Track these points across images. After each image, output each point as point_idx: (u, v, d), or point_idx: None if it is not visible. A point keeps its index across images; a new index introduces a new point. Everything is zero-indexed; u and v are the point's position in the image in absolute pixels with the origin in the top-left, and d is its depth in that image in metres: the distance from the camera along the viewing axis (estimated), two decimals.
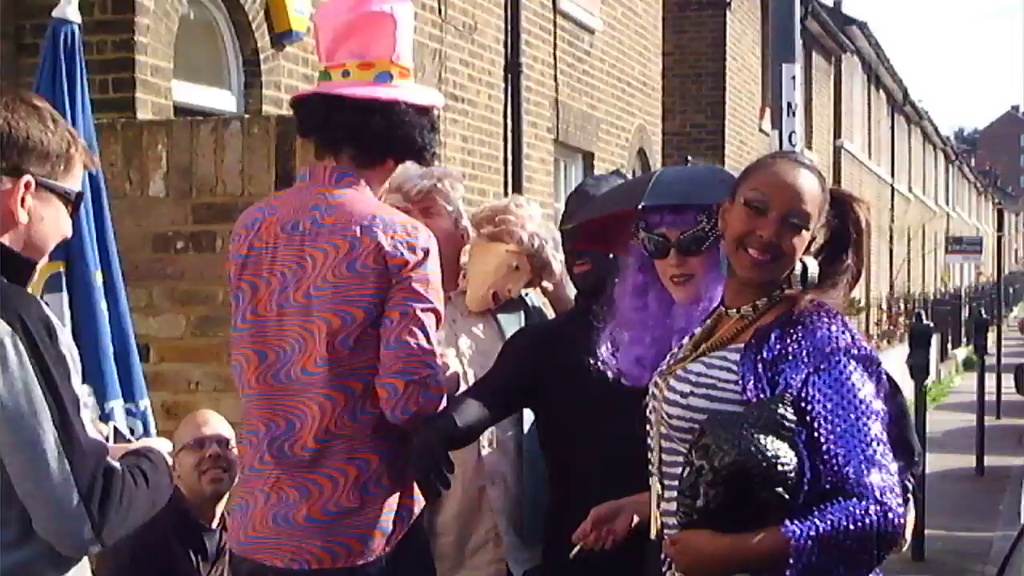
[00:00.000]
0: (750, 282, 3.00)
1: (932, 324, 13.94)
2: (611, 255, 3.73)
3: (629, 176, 3.97)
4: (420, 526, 3.51)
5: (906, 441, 3.47)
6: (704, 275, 3.37)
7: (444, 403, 3.41)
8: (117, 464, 2.61)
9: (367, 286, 3.30)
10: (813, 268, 2.99)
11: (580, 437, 3.82)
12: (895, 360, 15.42)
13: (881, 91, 36.16)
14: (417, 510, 3.43)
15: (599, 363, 3.59)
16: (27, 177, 2.61)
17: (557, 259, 4.25)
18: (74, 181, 2.71)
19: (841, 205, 3.05)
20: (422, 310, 3.32)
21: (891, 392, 3.34)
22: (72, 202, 2.72)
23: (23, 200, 2.61)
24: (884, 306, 30.18)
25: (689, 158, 4.14)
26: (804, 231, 2.96)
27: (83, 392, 2.69)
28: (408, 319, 3.30)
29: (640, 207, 3.46)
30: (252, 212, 3.57)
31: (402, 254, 3.31)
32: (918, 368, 11.15)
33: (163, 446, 2.88)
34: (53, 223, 2.68)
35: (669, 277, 3.45)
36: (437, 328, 3.40)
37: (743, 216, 2.97)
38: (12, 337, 2.49)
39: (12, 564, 2.52)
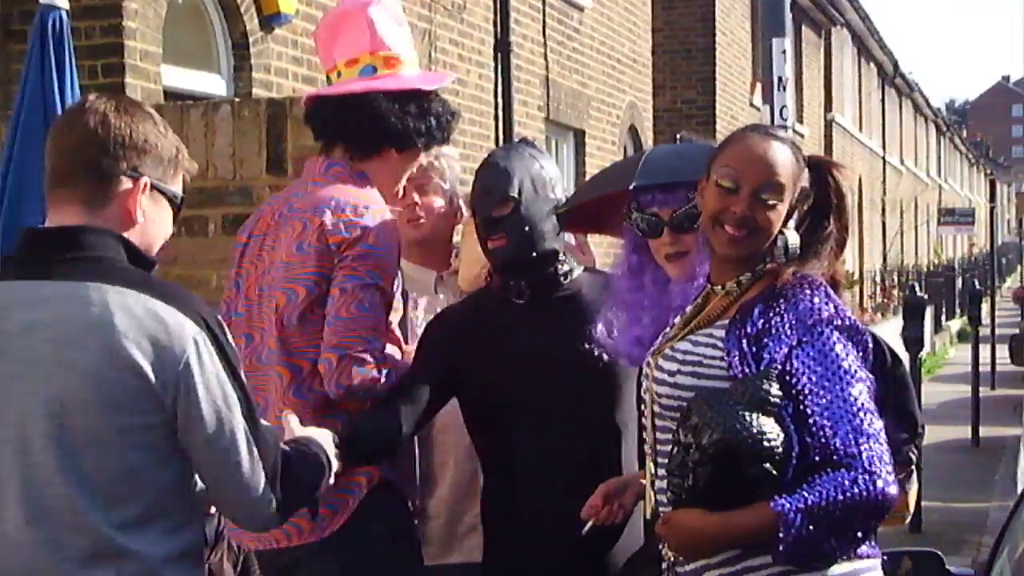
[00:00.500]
0: (729, 258, 3.00)
1: (926, 296, 13.96)
2: (530, 229, 3.65)
3: (538, 145, 3.88)
4: (394, 500, 3.59)
5: (908, 413, 3.46)
6: (698, 251, 3.37)
7: (386, 379, 3.46)
8: (289, 449, 2.83)
9: (309, 264, 3.45)
10: (793, 240, 2.98)
11: (504, 419, 3.69)
12: (889, 333, 15.42)
13: (871, 64, 36.11)
14: (368, 484, 3.50)
15: (596, 345, 3.58)
16: (145, 179, 2.71)
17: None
18: (179, 185, 2.82)
19: (819, 172, 3.04)
20: (361, 287, 3.42)
21: (893, 364, 3.34)
22: (177, 206, 2.82)
23: (139, 203, 2.71)
24: (877, 279, 30.23)
25: (679, 135, 4.15)
26: (779, 204, 2.95)
27: None
28: (346, 295, 3.42)
29: (631, 187, 3.45)
30: (263, 203, 3.85)
31: (341, 232, 3.44)
32: (912, 340, 11.17)
33: (324, 438, 3.05)
34: (162, 224, 2.78)
35: (664, 255, 3.45)
36: (385, 305, 3.48)
37: (716, 194, 2.97)
38: (202, 335, 2.61)
39: (179, 548, 2.66)
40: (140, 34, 7.17)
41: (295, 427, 3.08)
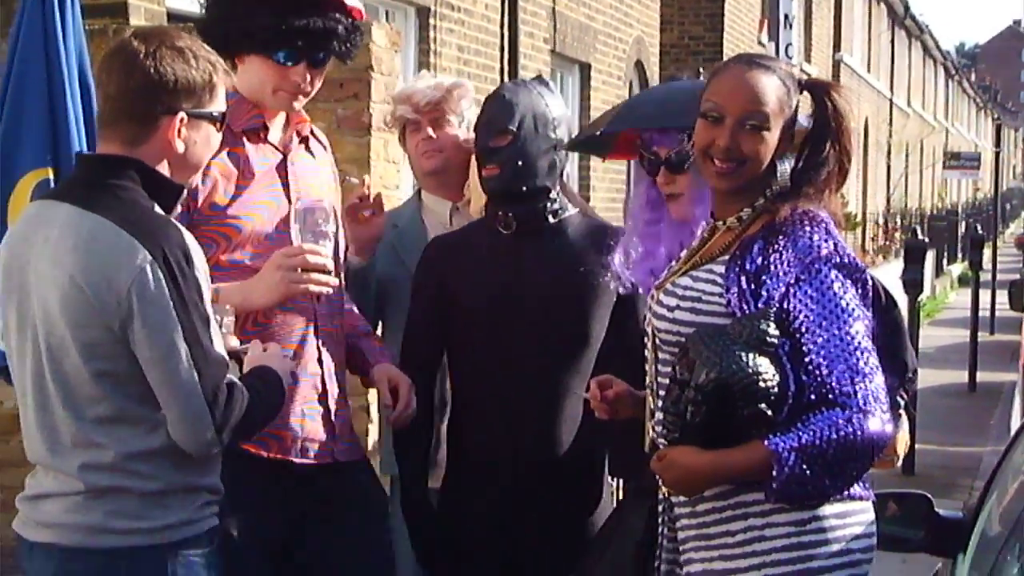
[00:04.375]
0: (721, 192, 2.99)
1: (928, 240, 13.95)
2: (523, 163, 3.69)
3: (550, 84, 3.88)
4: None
5: (900, 357, 3.46)
6: (691, 193, 3.38)
7: None
8: (237, 379, 3.02)
9: None
10: (782, 170, 2.95)
11: (474, 346, 3.74)
12: (890, 276, 15.42)
13: (882, 4, 35.88)
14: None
15: (612, 274, 3.58)
16: (180, 114, 3.01)
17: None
18: (219, 102, 3.10)
19: (817, 94, 3.00)
20: None
21: (887, 306, 3.33)
22: (220, 120, 3.11)
23: (179, 132, 3.02)
24: (880, 221, 30.17)
25: (697, 73, 4.05)
26: (765, 132, 2.93)
27: (220, 311, 3.16)
28: None
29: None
30: None
31: None
32: (912, 283, 11.16)
33: (283, 365, 3.22)
34: (205, 142, 3.10)
35: (665, 194, 3.47)
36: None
37: (702, 127, 2.96)
38: (152, 265, 2.88)
39: (150, 446, 2.97)
40: None
41: (256, 356, 3.20)
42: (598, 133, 3.77)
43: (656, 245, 3.51)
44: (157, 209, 3.00)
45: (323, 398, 3.58)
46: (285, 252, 3.40)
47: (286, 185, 3.58)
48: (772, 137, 2.93)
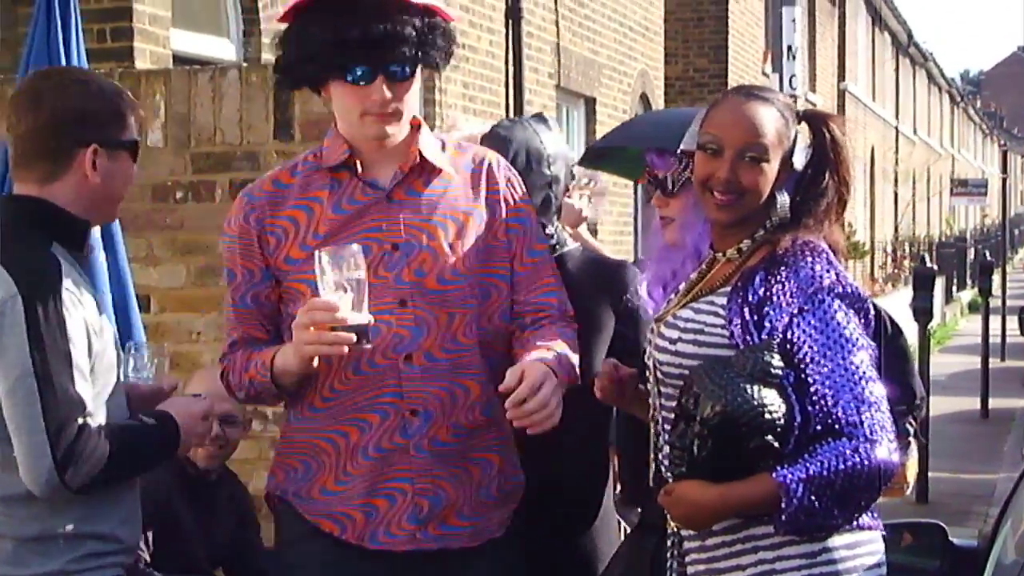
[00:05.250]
0: (721, 224, 2.99)
1: (937, 267, 13.94)
2: None
3: (549, 120, 3.89)
4: None
5: (908, 385, 3.46)
6: (683, 218, 3.37)
7: None
8: (92, 421, 2.92)
9: None
10: (782, 201, 2.95)
11: None
12: (900, 303, 15.40)
13: (885, 32, 35.96)
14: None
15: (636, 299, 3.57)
16: (92, 145, 3.03)
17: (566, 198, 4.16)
18: (130, 131, 3.11)
19: (815, 125, 3.00)
20: None
21: (893, 335, 3.33)
22: (133, 149, 3.12)
23: (94, 164, 3.03)
24: (889, 249, 30.15)
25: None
26: (764, 163, 2.92)
27: (153, 351, 3.27)
28: None
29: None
30: None
31: None
32: (922, 311, 11.15)
33: (188, 410, 3.15)
34: (122, 173, 3.11)
35: (659, 217, 3.46)
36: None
37: (701, 159, 2.96)
38: (14, 299, 2.88)
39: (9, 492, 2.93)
40: None
41: (168, 401, 3.18)
42: (593, 147, 3.80)
43: (668, 267, 3.50)
44: (56, 247, 3.00)
45: (412, 475, 3.15)
46: (302, 308, 3.02)
47: (383, 230, 3.16)
48: (771, 168, 2.93)
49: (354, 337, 2.95)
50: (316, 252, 2.97)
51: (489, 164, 3.29)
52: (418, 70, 3.16)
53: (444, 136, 3.45)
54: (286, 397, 3.25)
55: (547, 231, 3.70)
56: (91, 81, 3.09)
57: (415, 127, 3.23)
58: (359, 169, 3.18)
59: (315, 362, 3.07)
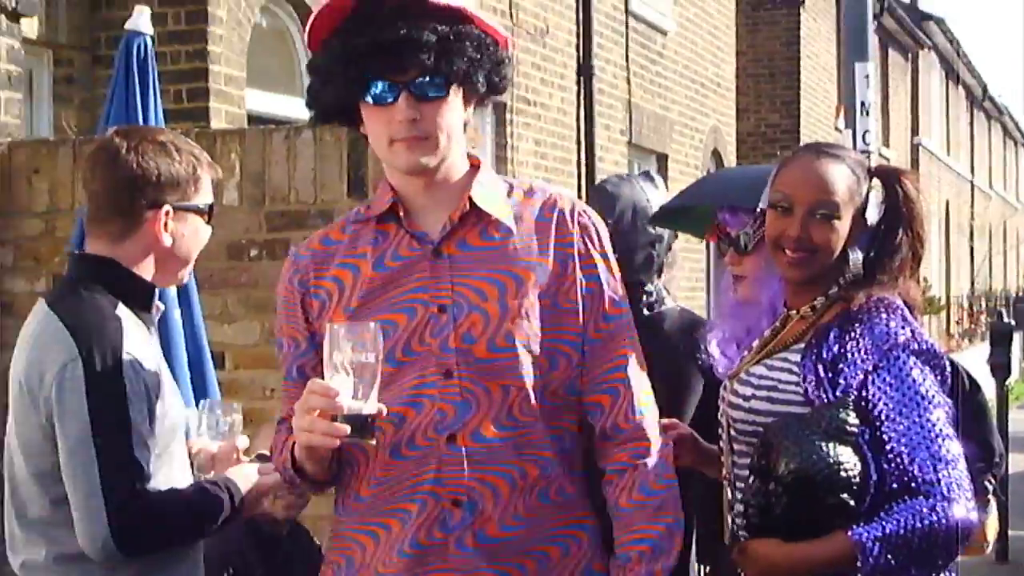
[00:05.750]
0: (793, 281, 2.98)
1: (1014, 322, 13.75)
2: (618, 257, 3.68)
3: (656, 179, 3.90)
4: None
5: (986, 442, 3.41)
6: (756, 276, 3.36)
7: None
8: (150, 486, 2.91)
9: None
10: (855, 258, 2.94)
11: None
12: (976, 359, 15.21)
13: (960, 87, 35.74)
14: None
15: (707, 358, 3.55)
16: (166, 207, 3.04)
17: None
18: (205, 194, 3.11)
19: (888, 182, 2.98)
20: None
21: (971, 391, 3.29)
22: (207, 212, 3.12)
23: (165, 225, 3.04)
24: (965, 304, 29.85)
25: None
26: (835, 220, 2.91)
27: (225, 409, 3.24)
28: None
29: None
30: None
31: None
32: (999, 367, 11.01)
33: (245, 478, 3.11)
34: (193, 236, 3.10)
35: (732, 275, 3.45)
36: None
37: (773, 218, 2.96)
38: (75, 362, 2.88)
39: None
40: (224, 59, 7.25)
41: (234, 469, 3.14)
42: (667, 207, 3.78)
43: (740, 325, 3.48)
44: (121, 309, 2.99)
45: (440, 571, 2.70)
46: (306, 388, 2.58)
47: (428, 290, 2.71)
48: (843, 226, 2.92)
49: (348, 429, 2.50)
50: (329, 324, 2.56)
51: (561, 211, 2.79)
52: (454, 90, 2.69)
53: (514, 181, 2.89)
54: (317, 488, 2.89)
55: (646, 288, 3.70)
56: (168, 142, 3.08)
57: (474, 167, 2.81)
58: (404, 219, 2.75)
59: (322, 452, 2.66)
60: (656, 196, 3.78)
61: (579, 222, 2.79)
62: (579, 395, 2.80)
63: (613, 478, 2.79)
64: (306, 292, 2.80)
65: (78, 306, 2.97)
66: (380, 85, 2.65)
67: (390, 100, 2.66)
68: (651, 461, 2.79)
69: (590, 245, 2.80)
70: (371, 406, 2.53)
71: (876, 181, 2.98)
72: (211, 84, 7.15)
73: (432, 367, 2.69)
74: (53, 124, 7.20)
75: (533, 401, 2.72)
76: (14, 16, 6.49)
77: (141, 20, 4.67)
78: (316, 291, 2.78)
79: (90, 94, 7.19)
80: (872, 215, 2.95)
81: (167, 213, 3.03)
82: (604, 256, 2.81)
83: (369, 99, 2.67)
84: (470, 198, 2.73)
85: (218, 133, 6.09)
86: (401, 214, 2.74)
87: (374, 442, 2.59)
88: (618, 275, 2.83)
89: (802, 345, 2.91)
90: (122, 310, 3.00)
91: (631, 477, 2.77)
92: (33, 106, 7.24)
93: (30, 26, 6.81)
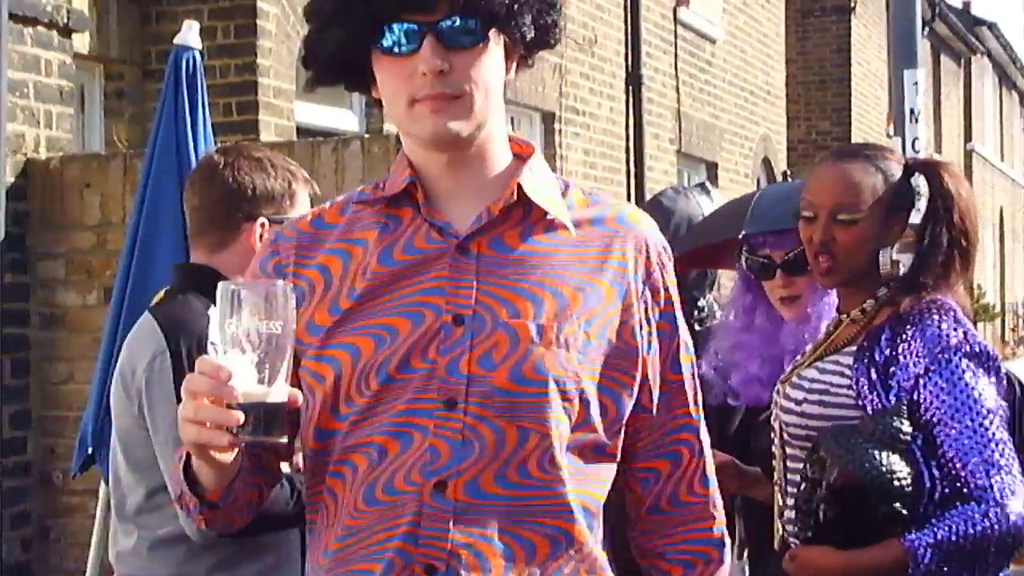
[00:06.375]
0: (830, 287, 2.96)
1: None
2: None
3: (711, 191, 3.88)
4: None
5: None
6: (810, 293, 3.34)
7: None
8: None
9: None
10: (884, 259, 2.90)
11: None
12: None
13: (1013, 92, 35.50)
14: None
15: (705, 385, 3.54)
16: (261, 219, 3.17)
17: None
18: (302, 208, 3.20)
19: (927, 176, 2.93)
20: None
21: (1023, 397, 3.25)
22: None
23: (260, 237, 3.16)
24: (1020, 311, 29.60)
25: (786, 171, 4.07)
26: (859, 221, 2.87)
27: None
28: None
29: (740, 236, 3.47)
30: None
31: None
32: None
33: None
34: None
35: (777, 298, 3.43)
36: None
37: (802, 227, 2.94)
38: (164, 354, 3.02)
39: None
40: (273, 71, 7.28)
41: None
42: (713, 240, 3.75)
43: (751, 352, 3.47)
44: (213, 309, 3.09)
45: None
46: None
47: (444, 293, 2.06)
48: (869, 226, 2.88)
49: (240, 417, 1.87)
50: (221, 285, 1.91)
51: (635, 232, 2.17)
52: (494, 37, 2.06)
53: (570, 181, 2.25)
54: (219, 521, 2.15)
55: (698, 303, 3.69)
56: (264, 158, 3.23)
57: (524, 156, 2.17)
58: (424, 204, 2.10)
59: (220, 457, 1.96)
60: (710, 207, 3.77)
61: (659, 253, 2.18)
62: (630, 459, 2.18)
63: (673, 570, 2.22)
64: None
65: (172, 307, 3.15)
66: (398, 29, 2.02)
67: (411, 48, 2.02)
68: (725, 554, 2.24)
69: (667, 276, 2.19)
70: (278, 392, 1.90)
71: (917, 176, 2.94)
72: (260, 97, 7.18)
73: (432, 391, 2.03)
74: (104, 138, 7.26)
75: (557, 455, 2.05)
76: (66, 32, 6.56)
77: (190, 35, 4.69)
78: (296, 281, 2.08)
79: (141, 108, 7.24)
80: (907, 208, 2.91)
81: (262, 225, 3.16)
82: (673, 301, 2.21)
83: (383, 47, 2.04)
84: (519, 186, 2.09)
85: (267, 146, 6.12)
86: (420, 199, 2.10)
87: (284, 440, 1.94)
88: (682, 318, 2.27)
89: (854, 348, 2.89)
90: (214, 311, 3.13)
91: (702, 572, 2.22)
92: (85, 120, 7.30)
93: (81, 41, 6.87)
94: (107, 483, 3.28)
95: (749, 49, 15.23)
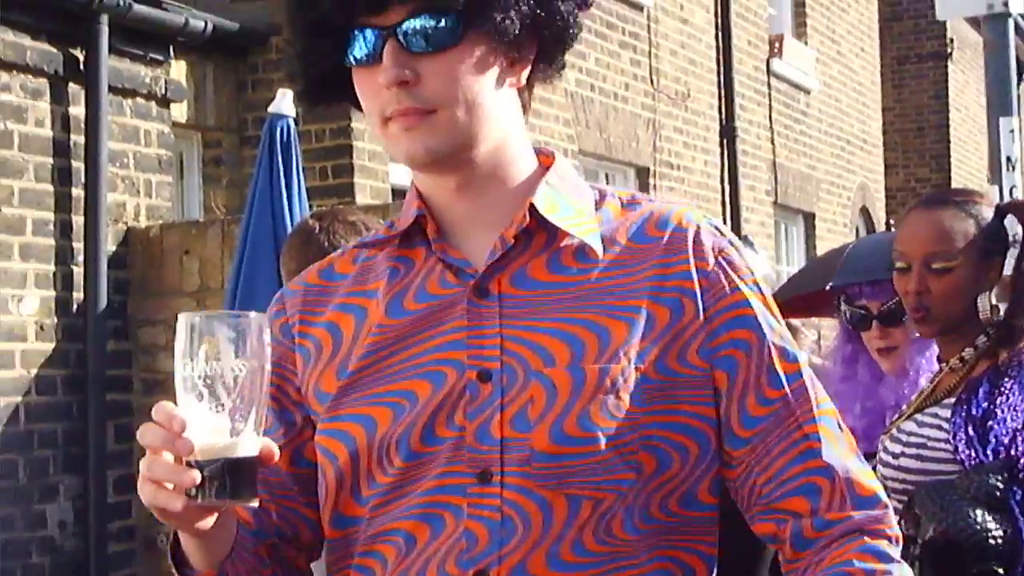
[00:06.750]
0: (927, 337, 2.94)
1: None
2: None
3: (752, 241, 3.88)
4: None
5: None
6: (909, 345, 3.30)
7: None
8: None
9: None
10: (983, 305, 2.85)
11: None
12: None
13: None
14: None
15: None
16: None
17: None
18: None
19: (1021, 218, 2.88)
20: None
21: None
22: None
23: None
24: None
25: (891, 221, 4.10)
26: (955, 268, 2.83)
27: None
28: None
29: (828, 287, 3.45)
30: None
31: None
32: None
33: None
34: None
35: (875, 348, 3.40)
36: None
37: (897, 279, 2.91)
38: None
39: None
40: (368, 134, 7.36)
41: None
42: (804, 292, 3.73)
43: (851, 402, 3.43)
44: None
45: None
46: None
47: (464, 346, 1.72)
48: (963, 273, 2.84)
49: (197, 476, 1.52)
50: (181, 317, 1.61)
51: (678, 228, 1.77)
52: (475, 37, 1.69)
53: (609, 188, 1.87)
54: None
55: None
56: (358, 221, 3.27)
57: (542, 167, 1.81)
58: (435, 240, 1.77)
59: (198, 524, 1.59)
60: (755, 260, 3.75)
61: (711, 244, 1.77)
62: (752, 502, 1.77)
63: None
64: (291, 343, 1.81)
65: None
66: (360, 35, 1.70)
67: (373, 56, 1.69)
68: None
69: (731, 274, 1.77)
70: (248, 445, 1.55)
71: (1010, 218, 2.90)
72: (355, 160, 7.26)
73: (462, 464, 1.69)
74: (203, 204, 7.37)
75: (623, 522, 1.69)
76: (164, 102, 6.69)
77: (284, 103, 4.77)
78: (302, 341, 1.80)
79: (238, 174, 7.35)
80: (1001, 251, 2.86)
81: None
82: (756, 289, 1.79)
83: (353, 58, 1.72)
84: (532, 206, 1.73)
85: (362, 208, 6.18)
86: (431, 233, 1.76)
87: (255, 503, 1.58)
88: (779, 316, 1.83)
89: (952, 400, 2.84)
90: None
91: None
92: (183, 187, 7.43)
93: (179, 111, 7.00)
94: None
95: (844, 98, 15.15)
